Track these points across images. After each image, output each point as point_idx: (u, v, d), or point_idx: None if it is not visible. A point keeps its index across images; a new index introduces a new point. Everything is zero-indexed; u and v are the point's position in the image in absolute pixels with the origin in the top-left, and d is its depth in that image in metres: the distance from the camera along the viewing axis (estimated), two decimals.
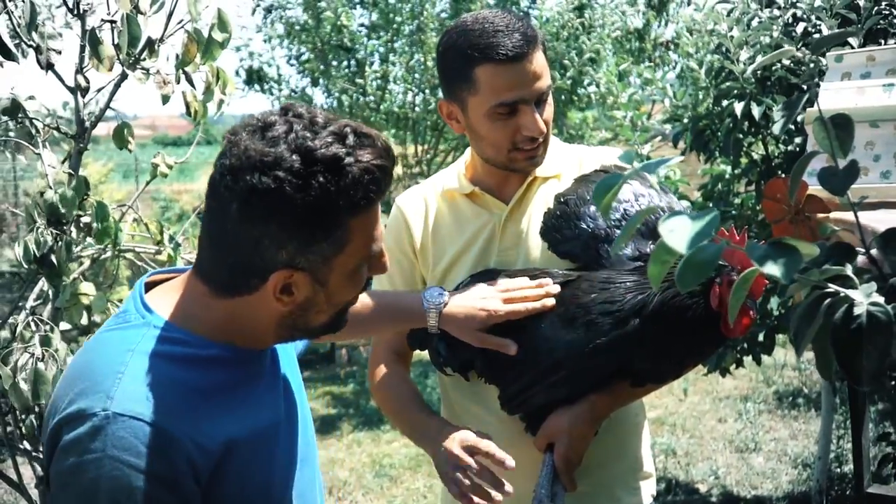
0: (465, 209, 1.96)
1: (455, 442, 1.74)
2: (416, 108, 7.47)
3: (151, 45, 2.10)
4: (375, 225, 1.29)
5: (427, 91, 7.12)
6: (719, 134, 3.95)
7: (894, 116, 2.47)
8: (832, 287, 1.18)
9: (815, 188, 2.42)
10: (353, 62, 7.35)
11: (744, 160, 4.24)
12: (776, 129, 1.21)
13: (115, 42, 2.06)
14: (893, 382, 3.94)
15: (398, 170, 7.98)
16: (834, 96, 2.64)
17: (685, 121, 4.29)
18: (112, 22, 1.97)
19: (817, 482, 4.69)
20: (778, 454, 5.72)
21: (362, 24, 7.46)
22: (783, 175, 3.99)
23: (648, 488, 1.98)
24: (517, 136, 1.81)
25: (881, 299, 1.16)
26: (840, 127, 1.24)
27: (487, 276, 1.85)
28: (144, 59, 2.13)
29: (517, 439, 1.84)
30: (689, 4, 9.29)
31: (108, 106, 2.16)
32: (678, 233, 1.04)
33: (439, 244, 1.95)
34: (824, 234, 1.31)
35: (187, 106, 2.29)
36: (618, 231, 1.80)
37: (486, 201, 1.95)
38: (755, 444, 5.91)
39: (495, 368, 1.79)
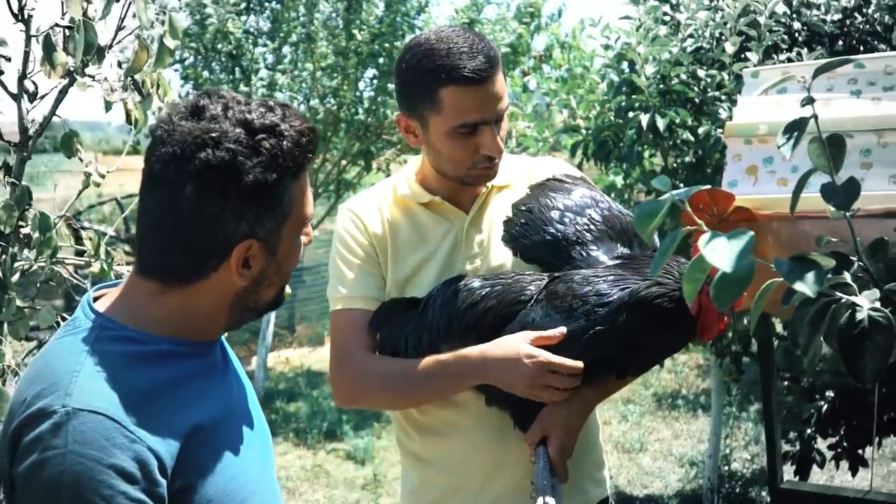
0: (424, 218, 1.98)
1: (524, 344, 1.77)
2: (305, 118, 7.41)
3: (100, 52, 2.05)
4: (307, 188, 1.37)
5: (315, 100, 7.07)
6: (621, 145, 4.09)
7: (811, 130, 2.60)
8: (831, 294, 1.26)
9: (741, 198, 2.54)
10: (238, 69, 7.24)
11: (635, 171, 4.39)
12: (786, 150, 1.28)
13: (64, 48, 2.00)
14: (786, 383, 4.15)
15: None
16: (751, 111, 2.76)
17: (583, 132, 4.43)
18: (69, 27, 1.91)
19: (709, 480, 4.88)
20: (664, 454, 5.92)
21: (247, 31, 7.35)
22: (682, 185, 4.16)
23: (607, 479, 2.08)
24: (476, 155, 1.86)
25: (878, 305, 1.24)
26: (835, 146, 1.32)
27: (458, 281, 1.88)
28: (88, 66, 2.07)
29: (495, 438, 1.89)
30: (559, 17, 9.54)
31: (53, 113, 2.10)
32: (720, 252, 1.10)
33: (399, 252, 1.96)
34: (820, 245, 1.39)
35: (128, 114, 2.24)
36: (587, 234, 1.88)
37: (445, 210, 1.98)
38: (641, 444, 6.10)
39: None
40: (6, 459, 1.25)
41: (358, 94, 7.21)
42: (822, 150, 1.32)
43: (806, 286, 1.11)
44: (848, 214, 1.30)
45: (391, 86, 7.17)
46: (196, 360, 1.36)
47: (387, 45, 6.97)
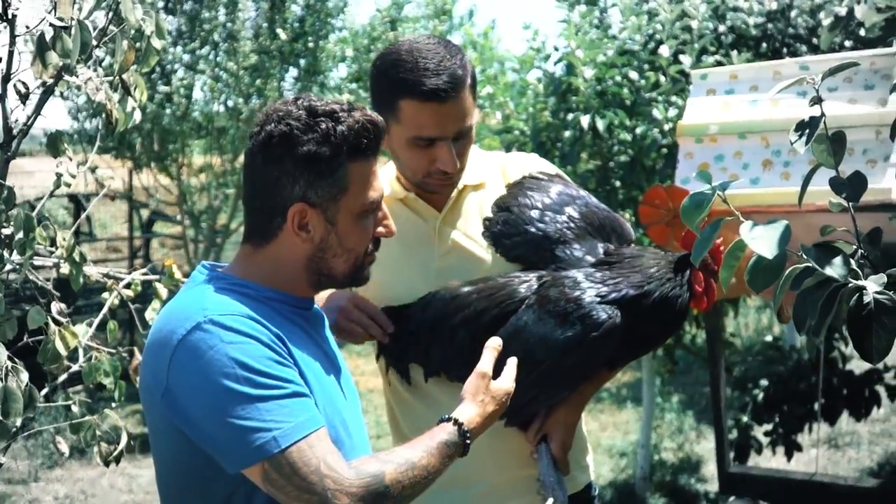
0: (399, 213, 1.99)
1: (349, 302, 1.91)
2: (221, 118, 7.35)
3: (90, 52, 2.05)
4: (373, 177, 1.58)
5: (241, 99, 7.01)
6: (559, 144, 4.20)
7: (760, 129, 2.74)
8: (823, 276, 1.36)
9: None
10: (157, 68, 7.14)
11: (566, 169, 4.51)
12: (799, 147, 1.37)
13: (51, 47, 2.00)
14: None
15: (203, 179, 7.82)
16: (701, 111, 2.89)
17: (517, 132, 4.53)
18: (64, 28, 1.91)
19: (641, 469, 5.04)
20: (593, 445, 6.03)
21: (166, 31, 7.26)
22: (618, 183, 4.30)
23: (590, 463, 2.13)
24: (432, 167, 1.89)
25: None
26: (835, 142, 1.42)
27: (444, 288, 1.91)
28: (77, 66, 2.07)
29: (494, 432, 1.93)
30: (471, 17, 9.67)
31: (37, 113, 2.09)
32: (761, 240, 1.20)
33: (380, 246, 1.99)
34: (825, 234, 1.49)
35: (108, 114, 2.24)
36: (568, 232, 1.93)
37: (419, 206, 2.01)
38: None
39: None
40: (160, 388, 1.45)
41: (281, 93, 7.19)
42: (827, 147, 1.41)
43: (834, 270, 1.21)
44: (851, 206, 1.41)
45: (315, 88, 7.19)
46: (297, 309, 1.59)
47: (310, 45, 6.98)
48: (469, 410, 1.60)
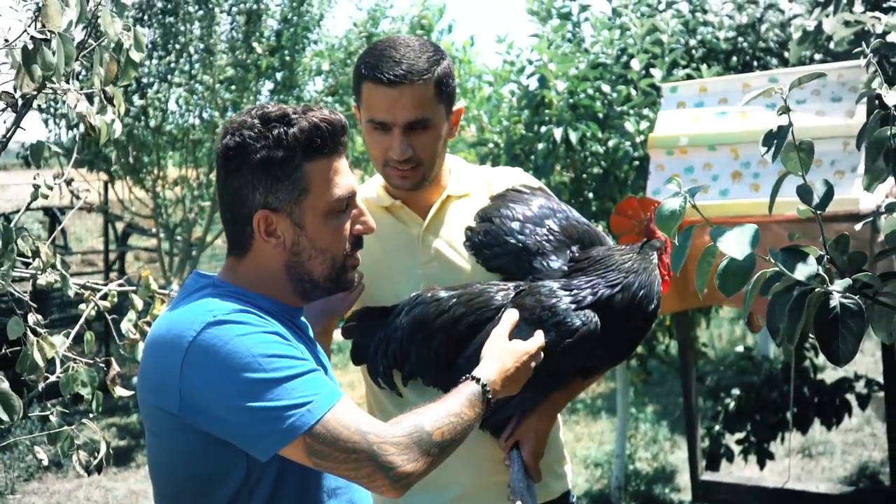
0: (384, 221, 2.03)
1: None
2: (197, 130, 7.35)
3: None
4: (336, 175, 1.58)
5: (216, 112, 7.01)
6: (532, 157, 4.24)
7: (729, 141, 2.80)
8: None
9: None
10: (133, 81, 7.13)
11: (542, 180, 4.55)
12: (769, 157, 1.41)
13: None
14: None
15: (177, 191, 7.79)
16: (672, 124, 2.95)
17: (491, 145, 4.56)
18: (45, 40, 1.93)
19: (616, 479, 5.07)
20: (568, 456, 6.09)
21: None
22: (591, 195, 4.35)
23: (568, 472, 2.16)
24: (387, 155, 1.95)
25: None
26: (803, 151, 1.46)
27: (425, 293, 1.94)
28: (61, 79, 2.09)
29: (470, 437, 1.96)
30: (449, 32, 9.72)
31: (16, 126, 2.10)
32: (732, 243, 1.24)
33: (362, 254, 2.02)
34: (792, 240, 1.53)
35: (87, 126, 2.26)
36: (546, 244, 1.97)
37: (403, 214, 2.05)
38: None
39: (454, 380, 1.86)
40: (169, 391, 1.47)
41: None
42: (796, 155, 1.45)
43: (801, 272, 1.25)
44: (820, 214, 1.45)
45: (291, 101, 7.20)
46: (287, 318, 1.60)
47: (286, 58, 7.00)
48: (486, 367, 1.68)
